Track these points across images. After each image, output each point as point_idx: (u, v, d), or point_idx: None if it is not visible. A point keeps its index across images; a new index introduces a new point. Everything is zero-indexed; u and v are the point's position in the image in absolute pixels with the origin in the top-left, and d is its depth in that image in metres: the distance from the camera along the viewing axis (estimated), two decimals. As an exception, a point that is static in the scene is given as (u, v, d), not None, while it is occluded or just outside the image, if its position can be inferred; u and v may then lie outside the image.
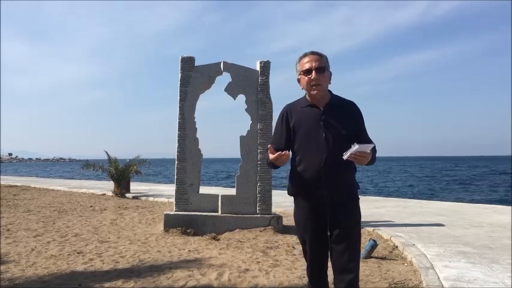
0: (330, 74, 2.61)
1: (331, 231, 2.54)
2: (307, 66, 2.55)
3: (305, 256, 2.72)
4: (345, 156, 2.35)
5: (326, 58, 2.60)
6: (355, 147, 2.31)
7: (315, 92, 2.56)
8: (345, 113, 2.59)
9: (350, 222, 2.55)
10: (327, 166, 2.48)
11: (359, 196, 2.67)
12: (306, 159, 2.55)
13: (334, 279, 2.56)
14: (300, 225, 2.67)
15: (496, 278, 4.20)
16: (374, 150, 2.50)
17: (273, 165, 2.58)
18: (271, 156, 2.47)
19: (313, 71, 2.52)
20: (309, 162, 2.54)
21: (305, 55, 2.60)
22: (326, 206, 2.52)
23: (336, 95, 2.67)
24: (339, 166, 2.48)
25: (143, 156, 13.99)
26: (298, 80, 2.64)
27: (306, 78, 2.55)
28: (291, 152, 2.61)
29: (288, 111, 2.68)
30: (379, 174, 45.35)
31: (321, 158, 2.48)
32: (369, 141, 2.53)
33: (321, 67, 2.54)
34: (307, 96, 2.64)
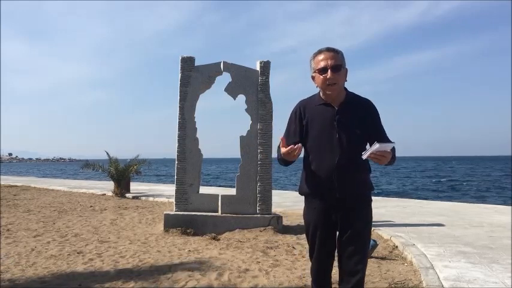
0: (346, 70, 2.52)
1: (341, 232, 2.52)
2: (322, 64, 2.45)
3: (311, 256, 2.69)
4: (364, 155, 2.27)
5: (342, 54, 2.49)
6: (375, 146, 2.21)
7: (331, 91, 2.48)
8: (360, 112, 2.50)
9: (361, 224, 2.51)
10: (340, 167, 2.43)
11: (372, 198, 2.61)
12: (319, 159, 2.50)
13: (339, 279, 2.55)
14: (310, 225, 2.62)
15: (496, 278, 4.20)
16: (393, 150, 2.40)
17: (284, 161, 2.52)
18: (283, 150, 2.40)
19: (329, 70, 2.42)
20: (321, 162, 2.49)
21: (320, 52, 2.49)
22: (338, 207, 2.49)
23: (352, 93, 2.58)
24: (353, 167, 2.44)
25: (144, 157, 14.01)
26: (313, 78, 2.56)
27: (322, 77, 2.45)
28: (303, 149, 2.55)
29: (301, 108, 2.61)
30: (383, 174, 45.04)
31: (334, 159, 2.43)
32: (388, 141, 2.42)
33: (337, 65, 2.44)
34: (321, 94, 2.56)
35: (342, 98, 2.53)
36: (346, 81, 2.54)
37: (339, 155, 2.43)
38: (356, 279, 2.44)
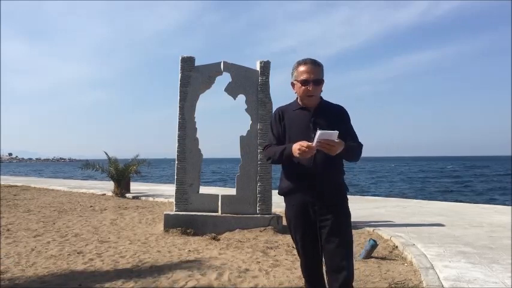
0: (323, 81, 2.70)
1: (321, 231, 2.58)
2: (304, 76, 2.61)
3: (299, 255, 2.77)
4: (312, 144, 2.38)
5: (322, 67, 2.68)
6: (317, 133, 2.34)
7: (309, 101, 2.66)
8: (333, 115, 2.68)
9: (340, 220, 2.59)
10: (316, 165, 2.55)
11: (348, 197, 2.74)
12: (296, 159, 2.59)
13: (328, 279, 2.58)
14: (291, 223, 2.72)
15: (496, 278, 4.20)
16: (360, 148, 2.62)
17: (283, 159, 2.60)
18: (300, 147, 2.39)
19: (311, 83, 2.60)
20: (299, 161, 2.59)
21: (305, 63, 2.65)
22: (316, 204, 2.58)
23: (325, 100, 2.76)
24: (328, 166, 2.57)
25: (144, 156, 14.02)
26: (292, 84, 2.72)
27: (303, 88, 2.62)
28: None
29: (280, 112, 2.77)
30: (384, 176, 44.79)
31: (311, 158, 2.54)
32: (357, 142, 2.64)
33: (318, 80, 2.62)
34: (298, 100, 2.73)
35: (317, 103, 2.70)
36: (321, 91, 2.71)
37: (315, 154, 2.53)
38: (343, 275, 2.46)
